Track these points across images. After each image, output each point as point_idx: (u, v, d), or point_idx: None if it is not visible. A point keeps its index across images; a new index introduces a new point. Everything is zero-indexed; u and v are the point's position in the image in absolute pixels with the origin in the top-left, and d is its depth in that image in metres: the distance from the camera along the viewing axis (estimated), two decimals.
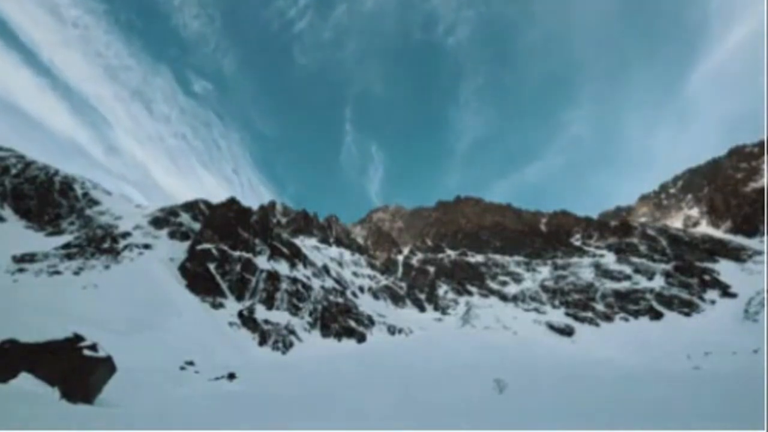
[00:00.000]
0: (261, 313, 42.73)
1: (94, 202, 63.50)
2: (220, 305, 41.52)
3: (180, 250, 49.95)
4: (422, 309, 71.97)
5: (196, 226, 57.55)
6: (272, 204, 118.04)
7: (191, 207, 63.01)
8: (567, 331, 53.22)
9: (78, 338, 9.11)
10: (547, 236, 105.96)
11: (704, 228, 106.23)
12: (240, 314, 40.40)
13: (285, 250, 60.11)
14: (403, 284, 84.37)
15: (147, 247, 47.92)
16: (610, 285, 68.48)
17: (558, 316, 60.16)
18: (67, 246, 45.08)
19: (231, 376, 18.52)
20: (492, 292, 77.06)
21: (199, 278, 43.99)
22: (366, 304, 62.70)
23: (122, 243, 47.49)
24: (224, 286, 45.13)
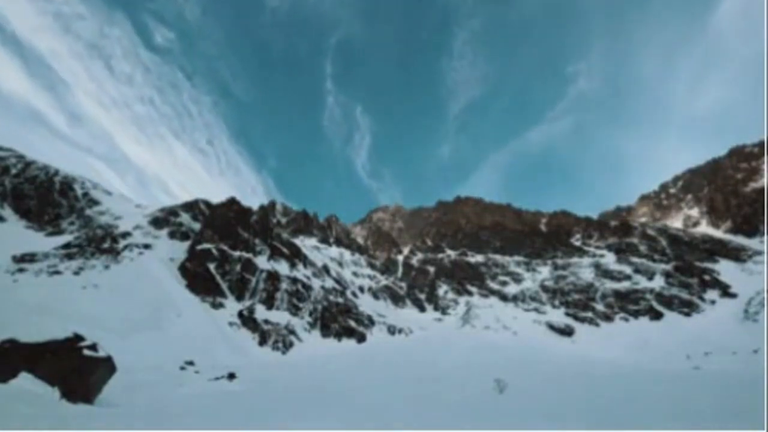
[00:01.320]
0: (261, 313, 42.74)
1: (94, 202, 63.50)
2: (220, 305, 41.53)
3: (180, 250, 49.95)
4: (422, 309, 71.96)
5: (196, 226, 57.56)
6: (272, 204, 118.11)
7: (191, 207, 63.02)
8: (567, 331, 53.23)
9: (78, 338, 9.11)
10: (547, 236, 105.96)
11: (704, 228, 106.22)
12: (240, 314, 40.41)
13: (285, 250, 60.12)
14: (403, 284, 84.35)
15: (147, 247, 47.92)
16: (610, 285, 68.48)
17: (558, 316, 60.17)
18: (67, 246, 45.07)
19: (231, 376, 18.52)
20: (492, 292, 77.06)
21: (199, 278, 43.99)
22: (366, 304, 62.69)
23: (122, 243, 47.49)
24: (224, 286, 45.13)
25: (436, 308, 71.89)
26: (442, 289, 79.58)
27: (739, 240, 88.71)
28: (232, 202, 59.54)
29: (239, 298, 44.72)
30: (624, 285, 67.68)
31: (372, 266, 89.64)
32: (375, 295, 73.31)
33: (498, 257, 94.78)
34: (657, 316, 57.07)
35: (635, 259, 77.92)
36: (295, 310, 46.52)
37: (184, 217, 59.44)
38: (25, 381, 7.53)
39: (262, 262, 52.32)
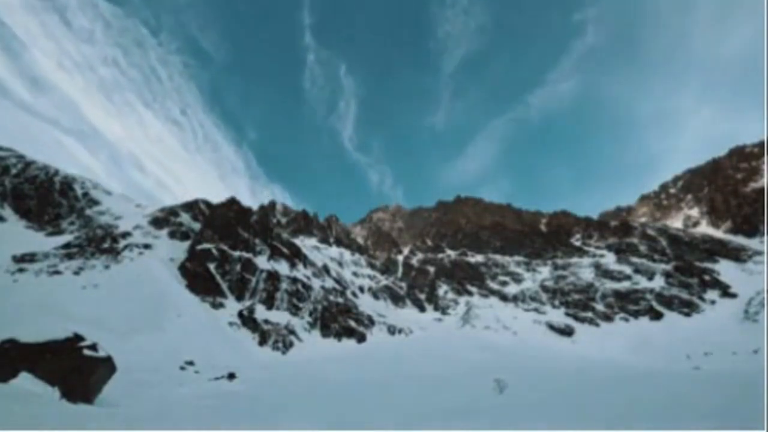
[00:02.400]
0: (261, 313, 42.73)
1: (94, 202, 63.50)
2: (220, 305, 41.52)
3: (180, 250, 49.96)
4: (422, 309, 71.95)
5: (196, 226, 57.56)
6: (272, 204, 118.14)
7: (191, 207, 63.03)
8: (567, 331, 53.22)
9: (78, 338, 9.11)
10: (547, 236, 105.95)
11: (704, 228, 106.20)
12: (240, 314, 40.40)
13: (285, 250, 60.11)
14: (403, 284, 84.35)
15: (147, 247, 47.92)
16: (610, 285, 68.47)
17: (558, 316, 60.16)
18: (67, 246, 45.07)
19: (231, 376, 18.52)
20: (492, 292, 77.05)
21: (199, 278, 43.99)
22: (366, 304, 62.69)
23: (122, 243, 47.49)
24: (224, 286, 45.13)
25: (436, 308, 71.88)
26: (442, 289, 79.57)
27: (739, 240, 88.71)
28: (232, 202, 59.57)
29: (239, 298, 44.72)
30: (624, 285, 67.67)
31: (372, 266, 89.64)
32: (375, 295, 73.30)
33: (498, 257, 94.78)
34: (657, 316, 57.06)
35: (635, 259, 77.92)
36: (295, 310, 46.51)
37: (184, 217, 59.45)
38: (25, 381, 7.53)
39: (262, 262, 52.32)
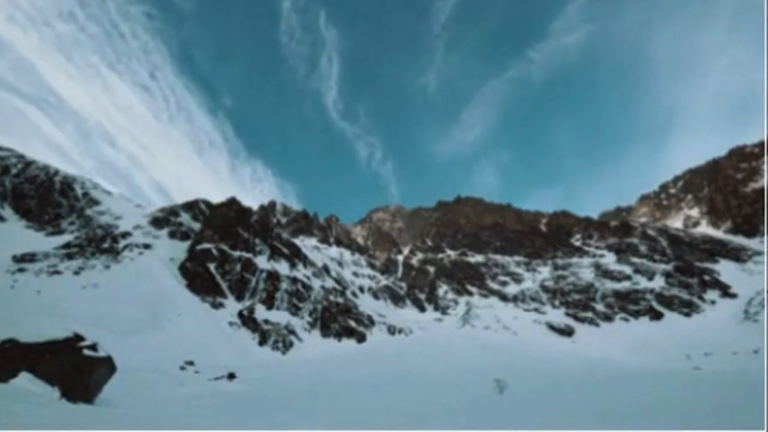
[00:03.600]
0: (261, 313, 42.74)
1: (94, 202, 63.49)
2: (220, 305, 41.52)
3: (180, 250, 49.96)
4: (422, 309, 71.95)
5: (196, 225, 57.57)
6: (272, 204, 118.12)
7: (191, 207, 63.04)
8: (567, 332, 53.21)
9: (78, 338, 9.11)
10: (547, 236, 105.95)
11: (704, 228, 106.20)
12: (240, 314, 40.40)
13: (285, 250, 60.12)
14: (403, 284, 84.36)
15: (147, 247, 47.92)
16: (610, 285, 68.47)
17: (558, 316, 60.15)
18: (67, 246, 45.07)
19: (231, 376, 18.52)
20: (492, 292, 77.05)
21: (199, 278, 43.99)
22: (366, 304, 62.70)
23: (122, 243, 47.49)
24: (224, 286, 45.13)
25: (436, 308, 71.87)
26: (442, 289, 79.57)
27: (739, 240, 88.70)
28: (232, 203, 59.57)
29: (239, 298, 44.72)
30: (624, 285, 67.67)
31: (372, 266, 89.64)
32: (375, 295, 73.31)
33: (498, 257, 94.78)
34: (657, 316, 57.05)
35: (635, 260, 77.91)
36: (295, 310, 46.51)
37: (184, 217, 59.46)
38: (25, 381, 7.53)
39: (262, 262, 52.32)
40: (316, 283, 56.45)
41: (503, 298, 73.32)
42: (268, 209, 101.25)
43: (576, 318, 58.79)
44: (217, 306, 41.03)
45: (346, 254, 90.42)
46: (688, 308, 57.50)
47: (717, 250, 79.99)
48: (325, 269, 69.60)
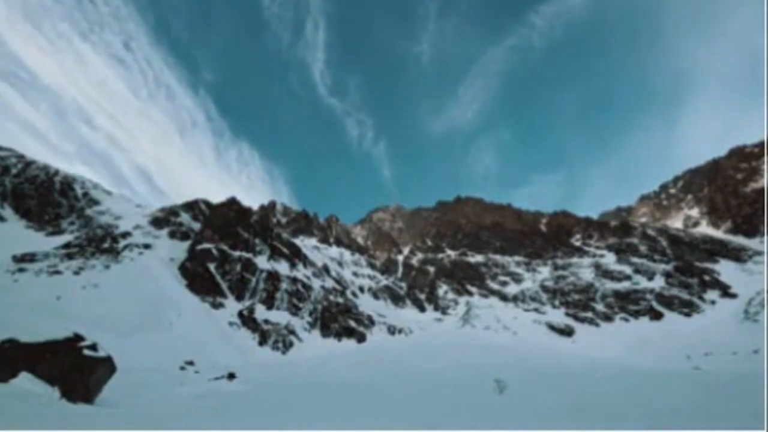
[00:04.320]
0: (261, 313, 42.74)
1: (94, 202, 63.50)
2: (220, 305, 41.52)
3: (180, 250, 49.96)
4: (422, 309, 71.95)
5: (196, 225, 57.57)
6: (272, 204, 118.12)
7: (191, 207, 63.05)
8: (567, 332, 53.21)
9: (78, 338, 9.11)
10: (547, 236, 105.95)
11: (704, 228, 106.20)
12: (240, 314, 40.40)
13: (285, 250, 60.11)
14: (403, 284, 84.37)
15: (147, 246, 47.92)
16: (610, 285, 68.46)
17: (558, 316, 60.14)
18: (67, 246, 45.08)
19: (231, 376, 18.51)
20: (492, 292, 77.05)
21: (199, 278, 43.99)
22: (366, 304, 62.70)
23: (122, 243, 47.50)
24: (224, 286, 45.13)
25: (436, 308, 71.87)
26: (442, 289, 79.56)
27: (739, 240, 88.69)
28: (232, 202, 59.58)
29: (239, 298, 44.72)
30: (624, 285, 67.66)
31: (372, 266, 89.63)
32: (375, 295, 73.31)
33: (498, 257, 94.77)
34: (657, 316, 57.05)
35: (635, 260, 77.91)
36: (295, 310, 46.51)
37: (184, 217, 59.46)
38: (25, 381, 7.53)
39: (262, 262, 52.32)
40: (316, 283, 56.46)
41: (503, 298, 73.31)
42: (268, 209, 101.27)
43: (576, 318, 58.79)
44: (217, 306, 41.03)
45: (346, 254, 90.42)
46: (688, 308, 57.50)
47: (717, 250, 79.98)
48: (325, 269, 69.60)
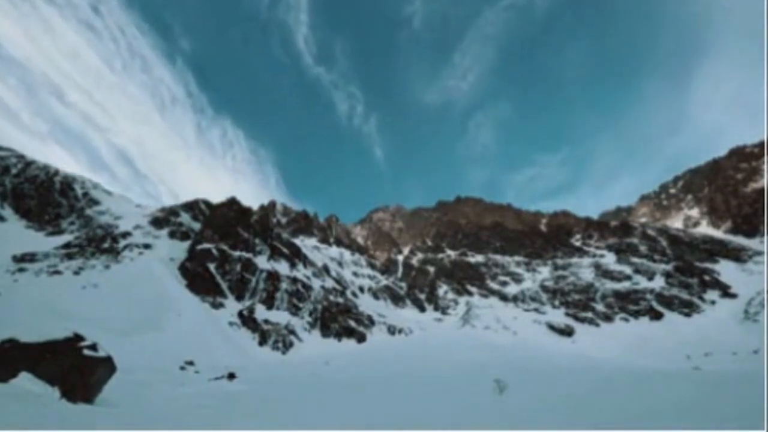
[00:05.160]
0: (261, 313, 42.74)
1: (94, 202, 63.50)
2: (220, 305, 41.52)
3: (180, 249, 49.96)
4: (422, 309, 71.94)
5: (196, 225, 57.57)
6: (272, 204, 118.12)
7: (191, 207, 63.05)
8: (567, 332, 53.21)
9: (78, 338, 9.11)
10: (547, 236, 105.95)
11: (704, 228, 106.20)
12: (240, 314, 40.40)
13: (285, 250, 60.11)
14: (403, 284, 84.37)
15: (147, 246, 47.92)
16: (610, 285, 68.46)
17: (558, 316, 60.14)
18: (67, 246, 45.08)
19: (231, 376, 18.51)
20: (492, 292, 77.04)
21: (199, 278, 43.98)
22: (366, 304, 62.70)
23: (122, 243, 47.50)
24: (224, 286, 45.13)
25: (436, 308, 71.87)
26: (442, 289, 79.56)
27: (739, 240, 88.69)
28: (232, 202, 59.56)
29: (239, 298, 44.71)
30: (624, 285, 67.66)
31: (372, 266, 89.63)
32: (375, 295, 73.30)
33: (498, 257, 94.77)
34: (657, 316, 57.05)
35: (635, 260, 77.90)
36: (295, 310, 46.51)
37: (184, 217, 59.46)
38: (25, 381, 7.53)
39: (262, 262, 52.32)
40: (316, 283, 56.45)
41: (503, 298, 73.31)
42: (268, 209, 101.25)
43: (576, 318, 58.78)
44: (217, 306, 41.03)
45: (346, 254, 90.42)
46: (688, 308, 57.50)
47: (717, 250, 79.98)
48: (325, 269, 69.60)
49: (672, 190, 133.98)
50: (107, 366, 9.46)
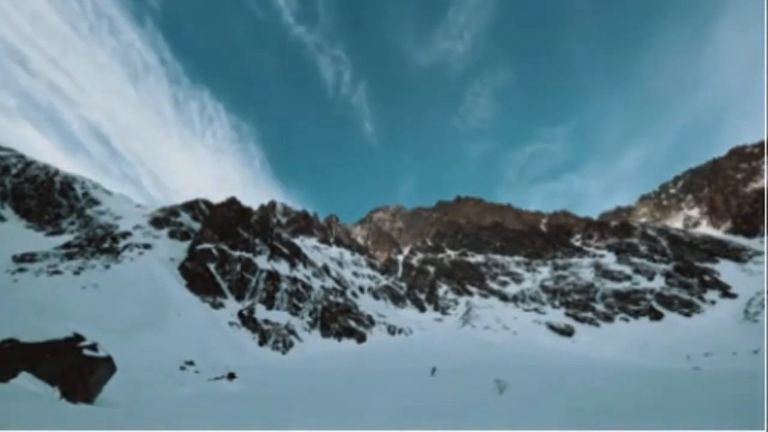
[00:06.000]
0: (261, 313, 42.74)
1: (94, 202, 63.50)
2: (220, 305, 41.52)
3: (180, 249, 49.95)
4: (422, 309, 71.94)
5: (196, 225, 57.55)
6: (272, 204, 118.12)
7: (191, 207, 63.03)
8: (567, 332, 53.21)
9: (78, 338, 9.10)
10: (547, 236, 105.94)
11: (704, 228, 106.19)
12: (240, 314, 40.39)
13: (285, 250, 60.10)
14: (403, 284, 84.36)
15: (147, 246, 47.91)
16: (610, 285, 68.46)
17: (558, 316, 60.14)
18: (67, 246, 45.07)
19: (231, 376, 18.51)
20: (492, 292, 77.04)
21: (199, 278, 43.98)
22: (366, 304, 62.70)
23: (122, 243, 47.49)
24: (224, 286, 45.12)
25: (436, 308, 71.87)
26: (442, 289, 79.56)
27: (739, 240, 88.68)
28: (232, 202, 59.56)
29: (239, 298, 44.71)
30: (624, 285, 67.65)
31: (372, 266, 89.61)
32: (375, 295, 73.30)
33: (498, 257, 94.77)
34: (657, 316, 57.04)
35: (635, 260, 77.89)
36: (295, 310, 46.50)
37: (184, 217, 59.45)
38: (25, 381, 7.52)
39: (262, 262, 52.31)
40: (316, 283, 56.45)
41: (503, 298, 73.31)
42: (268, 209, 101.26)
43: (576, 318, 58.78)
44: (217, 306, 41.03)
45: (346, 254, 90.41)
46: (688, 308, 57.49)
47: (717, 250, 79.97)
48: (325, 269, 69.59)
49: (672, 190, 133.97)
50: (107, 366, 9.45)
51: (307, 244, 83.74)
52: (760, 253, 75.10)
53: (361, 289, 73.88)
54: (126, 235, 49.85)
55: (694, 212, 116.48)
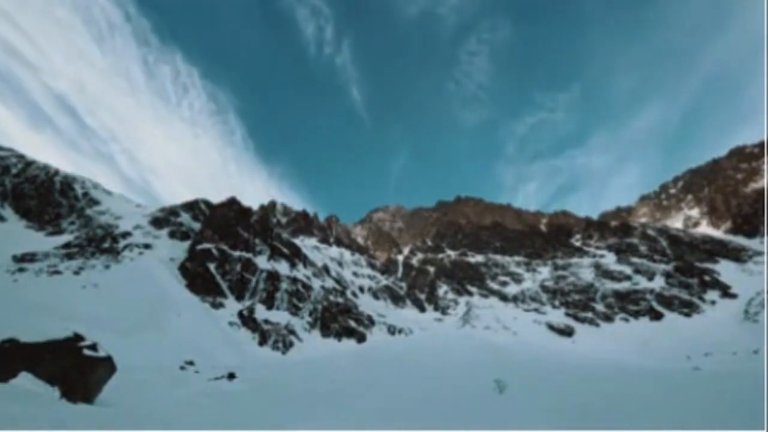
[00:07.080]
0: (261, 313, 42.73)
1: (95, 202, 63.51)
2: (220, 305, 41.52)
3: (180, 249, 49.95)
4: (422, 309, 71.94)
5: (196, 225, 57.55)
6: (272, 204, 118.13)
7: (191, 207, 63.04)
8: (567, 332, 53.20)
9: (78, 338, 9.10)
10: (547, 236, 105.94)
11: (704, 228, 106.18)
12: (240, 314, 40.39)
13: (285, 250, 60.10)
14: (403, 284, 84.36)
15: (147, 246, 47.91)
16: (610, 285, 68.46)
17: (558, 316, 60.14)
18: (67, 246, 45.07)
19: (231, 376, 18.51)
20: (492, 292, 77.04)
21: (199, 278, 43.98)
22: (366, 304, 62.70)
23: (122, 243, 47.48)
24: (224, 286, 45.12)
25: (436, 308, 71.87)
26: (442, 289, 79.57)
27: (739, 240, 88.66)
28: (232, 202, 59.58)
29: (239, 298, 44.71)
30: (624, 285, 67.65)
31: (372, 266, 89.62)
32: (375, 295, 73.30)
33: (498, 257, 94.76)
34: (657, 316, 57.04)
35: (635, 260, 77.89)
36: (295, 310, 46.51)
37: (184, 217, 59.44)
38: (25, 381, 7.52)
39: (262, 262, 52.31)
40: (316, 283, 56.45)
41: (503, 298, 73.31)
42: (268, 209, 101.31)
43: (576, 318, 58.78)
44: (217, 306, 41.03)
45: (346, 254, 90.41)
46: (688, 308, 57.49)
47: (717, 250, 79.97)
48: (325, 269, 69.60)
49: (672, 190, 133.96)
50: (107, 366, 9.45)
51: (307, 244, 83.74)
52: (760, 253, 75.10)
53: (361, 289, 73.89)
54: (126, 235, 49.84)
55: (694, 212, 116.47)
